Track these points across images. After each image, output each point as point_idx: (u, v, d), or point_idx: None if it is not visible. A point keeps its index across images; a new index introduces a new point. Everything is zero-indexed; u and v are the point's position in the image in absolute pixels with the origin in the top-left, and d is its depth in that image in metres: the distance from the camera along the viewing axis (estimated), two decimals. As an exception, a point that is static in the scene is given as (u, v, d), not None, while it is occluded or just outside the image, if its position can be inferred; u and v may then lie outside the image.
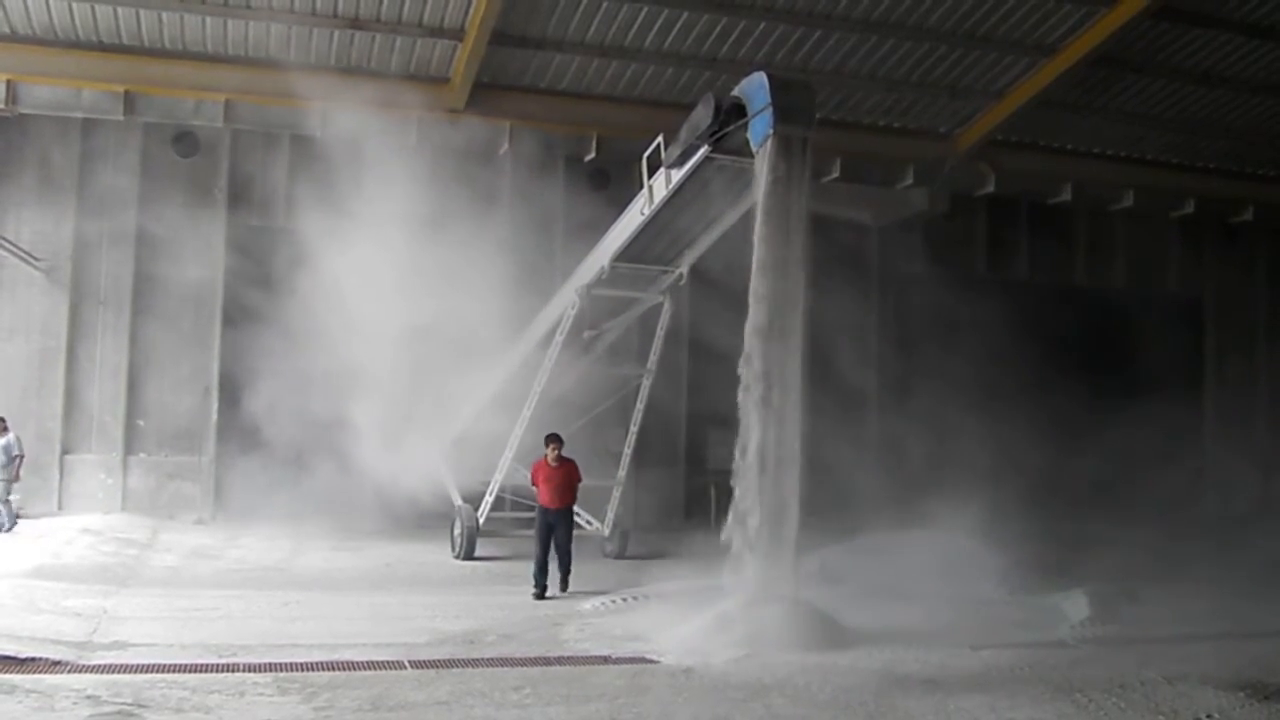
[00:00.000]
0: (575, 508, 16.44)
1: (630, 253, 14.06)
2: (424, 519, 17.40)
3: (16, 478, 16.11)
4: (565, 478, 12.65)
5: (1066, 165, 22.32)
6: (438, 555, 15.28)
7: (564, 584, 12.41)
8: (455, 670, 8.38)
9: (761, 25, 17.98)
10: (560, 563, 12.45)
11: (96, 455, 18.15)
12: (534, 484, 12.73)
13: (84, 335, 18.20)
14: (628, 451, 15.76)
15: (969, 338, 18.70)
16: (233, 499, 18.08)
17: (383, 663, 8.59)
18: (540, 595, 12.05)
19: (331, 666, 8.35)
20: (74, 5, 16.73)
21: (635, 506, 17.05)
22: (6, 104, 17.18)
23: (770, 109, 10.30)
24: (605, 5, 17.49)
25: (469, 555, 15.01)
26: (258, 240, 18.52)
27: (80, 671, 7.87)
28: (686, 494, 19.99)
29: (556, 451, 12.63)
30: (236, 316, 18.35)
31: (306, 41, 17.76)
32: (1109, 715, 7.61)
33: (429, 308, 16.34)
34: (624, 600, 11.43)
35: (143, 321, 18.41)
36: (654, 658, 9.07)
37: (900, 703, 7.74)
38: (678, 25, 17.93)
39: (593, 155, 19.29)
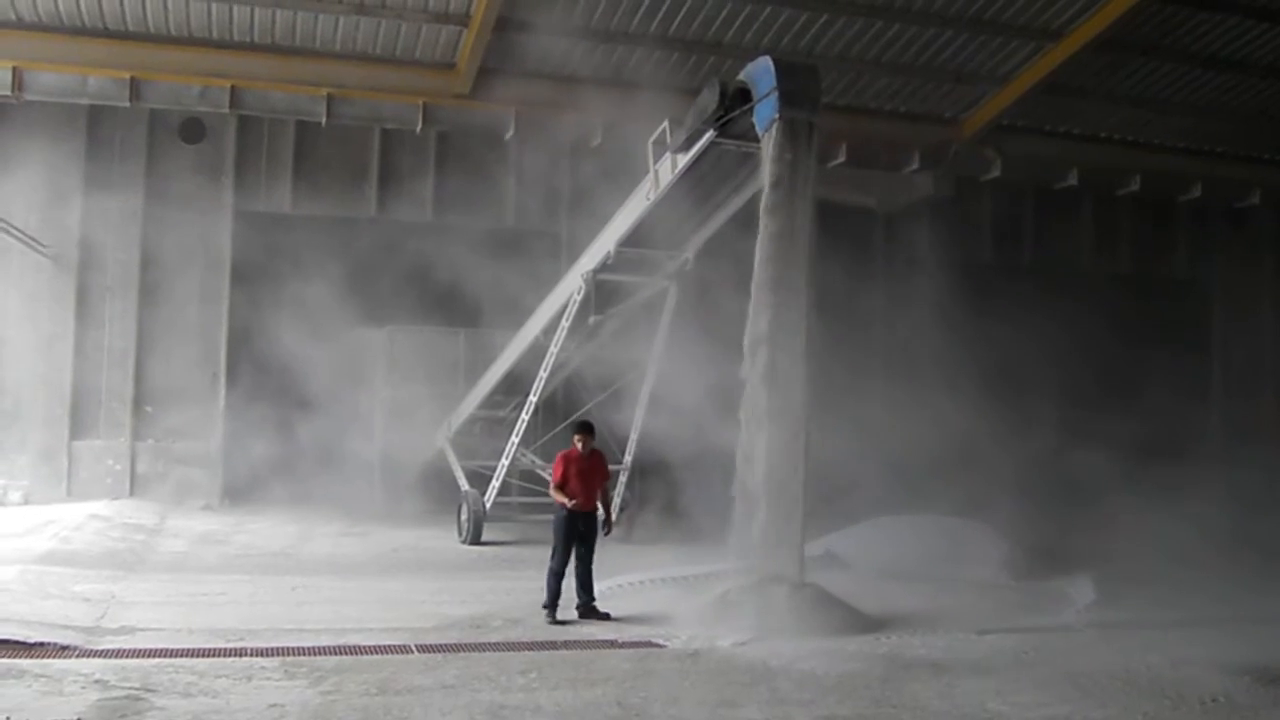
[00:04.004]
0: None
1: (636, 237, 14.05)
2: (430, 504, 17.47)
3: None
4: (596, 474, 10.48)
5: (1073, 150, 22.22)
6: (444, 540, 15.30)
7: (591, 603, 10.24)
8: (462, 654, 8.41)
9: (767, 10, 17.91)
10: (586, 579, 10.26)
11: (104, 441, 18.17)
12: (561, 483, 10.22)
13: (91, 321, 18.19)
14: (634, 435, 15.73)
15: (974, 323, 18.65)
16: (240, 484, 18.11)
17: (389, 647, 8.63)
18: (556, 618, 9.92)
19: (338, 651, 8.38)
20: (79, -9, 16.73)
21: (640, 490, 17.05)
22: (13, 91, 17.12)
23: (776, 94, 10.29)
24: (610, -10, 17.44)
25: (476, 540, 15.03)
26: (264, 226, 18.53)
27: (88, 656, 7.91)
28: (693, 478, 20.00)
29: (589, 443, 10.44)
30: (243, 303, 18.37)
31: (311, 26, 17.72)
32: (1114, 700, 7.63)
33: (435, 293, 16.36)
34: (630, 584, 11.42)
35: (150, 308, 18.40)
36: (660, 642, 9.11)
37: (906, 687, 7.76)
38: (683, 10, 17.86)
39: (598, 140, 19.24)
